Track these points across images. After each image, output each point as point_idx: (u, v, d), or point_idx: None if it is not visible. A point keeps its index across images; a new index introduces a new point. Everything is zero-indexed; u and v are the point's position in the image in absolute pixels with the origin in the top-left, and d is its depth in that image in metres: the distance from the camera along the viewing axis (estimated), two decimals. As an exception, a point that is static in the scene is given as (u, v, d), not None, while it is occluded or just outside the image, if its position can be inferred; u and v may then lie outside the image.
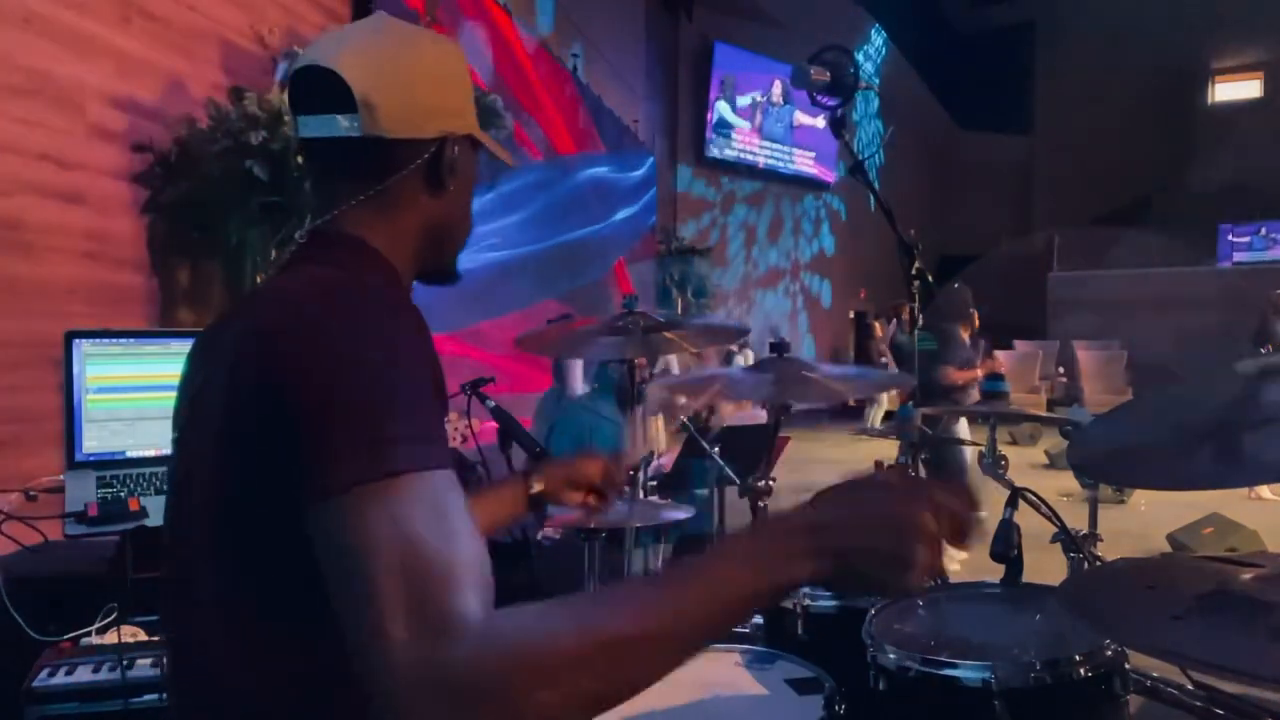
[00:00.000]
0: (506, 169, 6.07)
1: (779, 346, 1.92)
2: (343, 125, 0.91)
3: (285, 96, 1.02)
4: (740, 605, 0.70)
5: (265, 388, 0.75)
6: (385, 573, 0.65)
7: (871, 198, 1.98)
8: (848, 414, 12.15)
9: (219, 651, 0.81)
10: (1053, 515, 1.73)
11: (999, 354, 6.89)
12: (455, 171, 0.98)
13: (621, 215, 9.74)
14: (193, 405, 0.89)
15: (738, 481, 2.93)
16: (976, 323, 5.90)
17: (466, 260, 1.10)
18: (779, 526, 0.72)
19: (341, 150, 0.93)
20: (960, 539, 0.73)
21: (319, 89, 0.91)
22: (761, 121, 15.22)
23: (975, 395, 5.57)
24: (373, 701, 0.65)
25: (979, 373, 5.49)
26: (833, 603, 1.75)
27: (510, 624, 0.65)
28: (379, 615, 0.64)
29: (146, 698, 1.53)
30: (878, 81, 17.69)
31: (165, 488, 0.97)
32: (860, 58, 15.62)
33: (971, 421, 5.18)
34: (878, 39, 18.46)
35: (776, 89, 14.94)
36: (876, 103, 18.17)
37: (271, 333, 0.79)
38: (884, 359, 12.54)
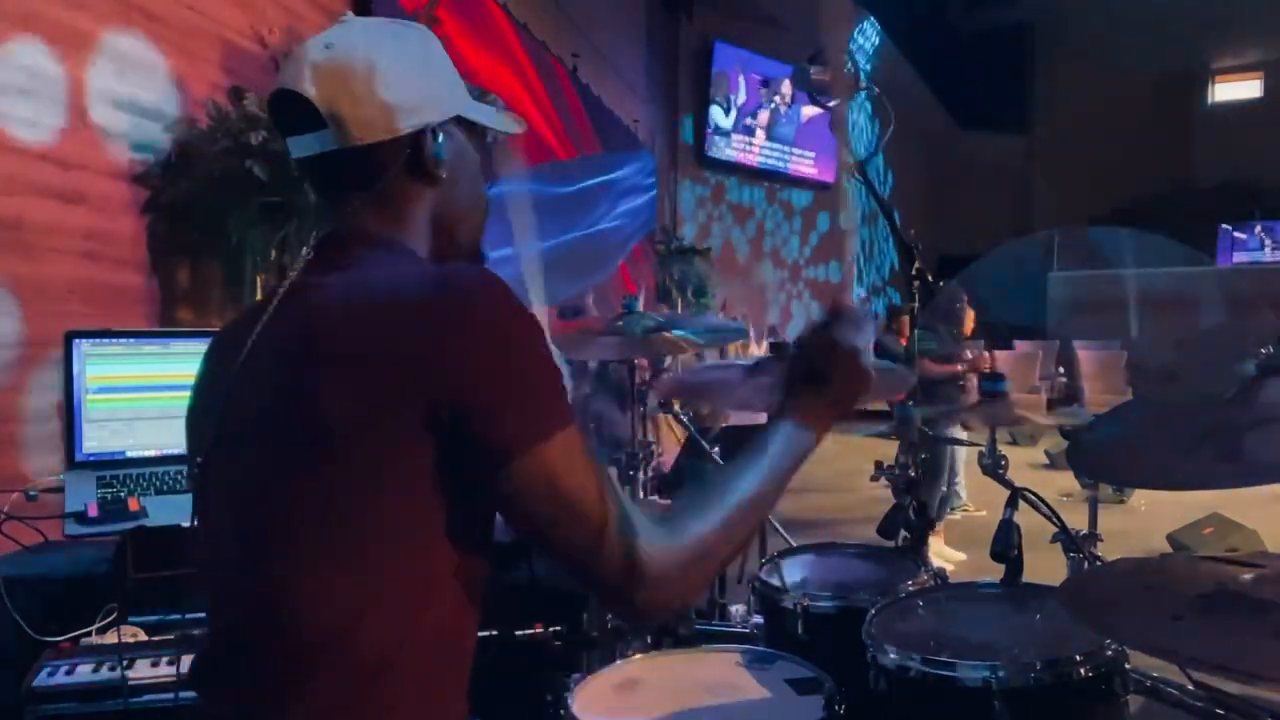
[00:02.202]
0: (506, 171, 6.07)
1: (778, 346, 1.92)
2: (319, 143, 0.94)
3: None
4: (804, 459, 1.02)
5: (409, 369, 0.82)
6: (578, 510, 0.85)
7: (872, 198, 1.98)
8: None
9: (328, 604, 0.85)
10: (1053, 515, 1.73)
11: (998, 354, 6.82)
12: (443, 160, 0.98)
13: (622, 216, 9.72)
14: (265, 398, 0.90)
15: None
16: (970, 321, 5.86)
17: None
18: (813, 399, 1.05)
19: (329, 164, 0.96)
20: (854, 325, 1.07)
21: (291, 111, 0.95)
22: (769, 121, 15.18)
23: (974, 395, 5.50)
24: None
25: (958, 368, 5.40)
26: (833, 603, 1.75)
27: (676, 527, 0.91)
28: (591, 537, 0.85)
29: (146, 698, 1.53)
30: (876, 84, 17.66)
31: (222, 469, 0.99)
32: (860, 58, 15.60)
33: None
34: (875, 38, 18.45)
35: (786, 88, 14.90)
36: (875, 103, 18.15)
37: (397, 314, 0.85)
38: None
